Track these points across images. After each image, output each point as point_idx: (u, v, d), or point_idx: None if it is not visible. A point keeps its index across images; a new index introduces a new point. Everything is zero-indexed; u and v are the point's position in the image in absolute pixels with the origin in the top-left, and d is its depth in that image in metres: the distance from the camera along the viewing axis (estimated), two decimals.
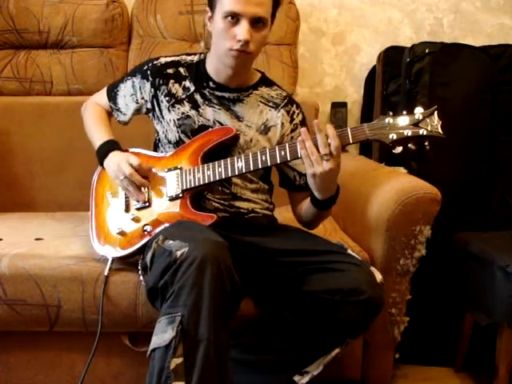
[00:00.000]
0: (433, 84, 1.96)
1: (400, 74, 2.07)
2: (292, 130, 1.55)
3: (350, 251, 1.43)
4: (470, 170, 1.97)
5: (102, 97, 1.66)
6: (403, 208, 1.48)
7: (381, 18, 2.38)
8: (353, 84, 2.41)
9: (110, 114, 1.66)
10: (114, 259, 1.47)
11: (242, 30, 1.37)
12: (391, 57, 2.17)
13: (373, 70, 2.30)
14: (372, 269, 1.40)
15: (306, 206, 1.50)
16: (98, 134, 1.58)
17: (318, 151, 1.31)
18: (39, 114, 2.08)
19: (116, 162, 1.48)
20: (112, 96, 1.62)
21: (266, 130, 1.53)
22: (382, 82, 2.18)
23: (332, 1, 2.36)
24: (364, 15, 2.37)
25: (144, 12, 2.15)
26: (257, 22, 1.40)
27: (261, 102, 1.54)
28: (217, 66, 1.51)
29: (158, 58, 1.58)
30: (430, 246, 1.55)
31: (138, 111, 1.60)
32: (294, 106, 1.58)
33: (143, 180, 1.46)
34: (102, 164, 1.54)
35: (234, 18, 1.38)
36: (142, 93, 1.57)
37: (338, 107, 2.34)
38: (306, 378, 1.36)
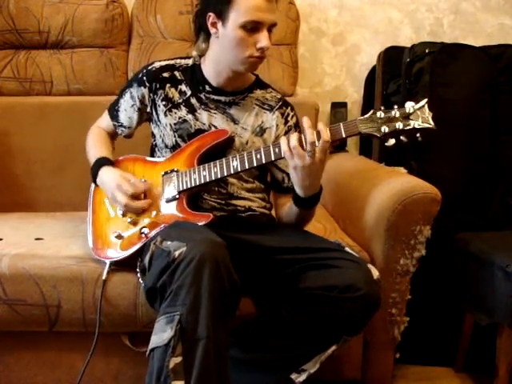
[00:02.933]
0: (433, 84, 1.96)
1: (400, 74, 2.07)
2: (286, 132, 1.56)
3: (347, 249, 1.42)
4: (470, 170, 1.97)
5: (103, 119, 1.68)
6: (403, 208, 1.48)
7: (381, 18, 2.38)
8: (353, 84, 2.41)
9: (113, 134, 1.67)
10: (111, 263, 1.47)
11: (264, 37, 1.39)
12: (391, 57, 2.17)
13: (373, 70, 2.30)
14: (369, 266, 1.39)
15: (288, 206, 1.51)
16: (92, 155, 1.59)
17: (302, 147, 1.32)
18: (39, 114, 2.08)
19: (109, 187, 1.48)
20: (114, 114, 1.63)
21: (261, 131, 1.54)
22: (381, 82, 2.18)
23: (332, 1, 2.36)
24: (364, 15, 2.37)
25: (144, 12, 2.15)
26: (271, 29, 1.41)
27: (256, 104, 1.55)
28: (216, 70, 1.51)
29: (152, 64, 1.58)
30: (430, 246, 1.55)
31: (141, 119, 1.61)
32: (289, 108, 1.59)
33: (139, 206, 1.46)
34: (95, 183, 1.55)
35: (254, 26, 1.38)
36: (141, 99, 1.57)
37: (338, 107, 2.34)
38: (303, 376, 1.36)
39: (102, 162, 1.54)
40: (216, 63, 1.50)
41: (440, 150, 1.89)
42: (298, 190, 1.41)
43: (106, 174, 1.51)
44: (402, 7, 2.38)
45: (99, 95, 2.10)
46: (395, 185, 1.54)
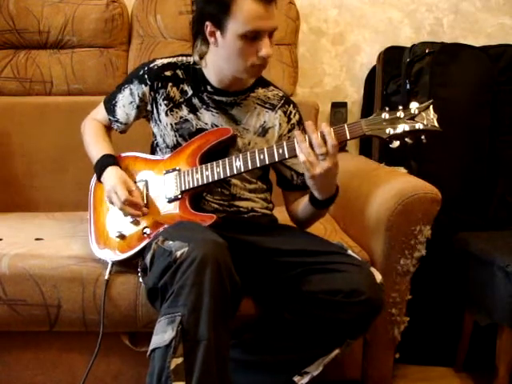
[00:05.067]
0: (433, 84, 1.96)
1: (400, 74, 2.07)
2: (289, 130, 1.55)
3: (350, 252, 1.42)
4: (470, 169, 1.97)
5: (99, 112, 1.65)
6: (403, 208, 1.48)
7: (381, 18, 2.38)
8: (353, 84, 2.41)
9: (108, 127, 1.65)
10: (113, 263, 1.47)
11: (266, 45, 1.35)
12: (391, 57, 2.17)
13: (373, 70, 2.30)
14: (372, 269, 1.40)
15: (302, 205, 1.49)
16: (94, 152, 1.57)
17: (314, 152, 1.31)
18: (39, 113, 2.08)
19: (108, 187, 1.47)
20: (110, 109, 1.60)
21: (263, 131, 1.53)
22: (382, 82, 2.18)
23: (332, 1, 2.36)
24: (364, 15, 2.37)
25: (144, 12, 2.15)
26: (272, 33, 1.38)
27: (258, 104, 1.54)
28: (217, 75, 1.49)
29: (153, 61, 1.55)
30: (430, 246, 1.55)
31: (138, 116, 1.59)
32: (291, 106, 1.57)
33: (135, 212, 1.44)
34: (100, 181, 1.53)
35: (254, 35, 1.35)
36: (141, 97, 1.54)
37: (338, 107, 2.34)
38: (306, 379, 1.36)
39: (108, 161, 1.52)
40: (217, 69, 1.47)
41: (440, 150, 1.89)
42: (316, 194, 1.39)
43: (110, 174, 1.49)
44: (402, 7, 2.38)
45: (99, 95, 2.08)
46: (395, 185, 1.54)
